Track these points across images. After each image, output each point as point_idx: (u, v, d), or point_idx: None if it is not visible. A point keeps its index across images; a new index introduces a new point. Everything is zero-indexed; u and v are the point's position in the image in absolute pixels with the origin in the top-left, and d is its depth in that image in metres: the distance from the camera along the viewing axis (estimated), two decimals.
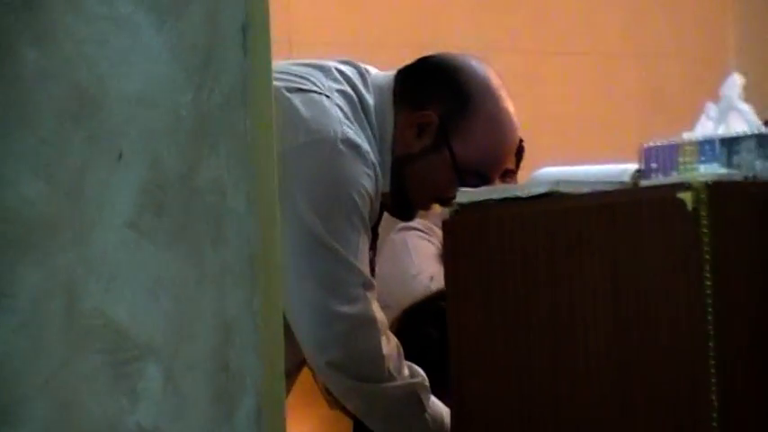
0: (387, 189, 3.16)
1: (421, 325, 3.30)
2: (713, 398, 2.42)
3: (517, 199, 2.72)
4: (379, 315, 3.06)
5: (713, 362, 2.43)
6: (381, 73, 3.24)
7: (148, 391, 1.72)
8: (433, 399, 3.15)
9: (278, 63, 2.72)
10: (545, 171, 2.74)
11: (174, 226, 1.74)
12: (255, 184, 1.80)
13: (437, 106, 3.18)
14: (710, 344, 2.42)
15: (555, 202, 2.65)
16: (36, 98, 1.66)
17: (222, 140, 1.78)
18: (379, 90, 3.18)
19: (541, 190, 2.67)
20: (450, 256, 2.85)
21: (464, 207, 2.79)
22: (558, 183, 2.66)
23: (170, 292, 1.74)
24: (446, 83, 3.21)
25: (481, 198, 2.79)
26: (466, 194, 2.81)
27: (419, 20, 5.03)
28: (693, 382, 2.45)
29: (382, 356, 3.04)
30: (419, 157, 3.18)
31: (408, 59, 3.28)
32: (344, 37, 4.55)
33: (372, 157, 3.08)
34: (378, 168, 3.10)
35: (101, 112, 1.70)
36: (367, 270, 3.06)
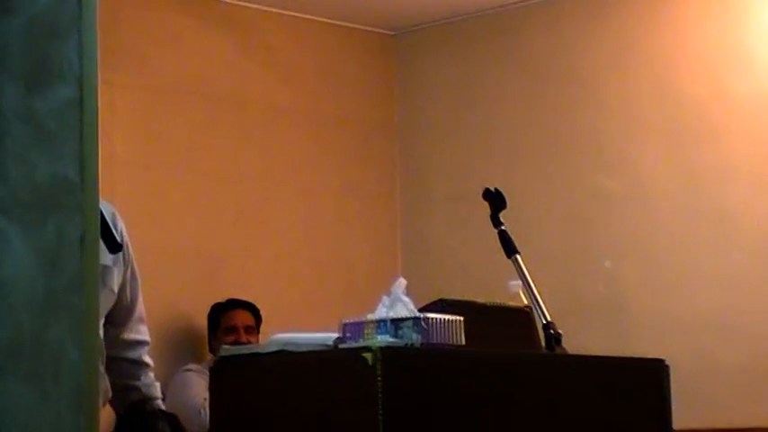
0: None
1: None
2: None
3: (258, 354, 2.70)
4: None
5: None
6: None
7: None
8: None
9: None
10: (278, 336, 2.73)
11: (28, 368, 1.68)
12: (85, 342, 1.75)
13: None
14: None
15: (284, 356, 2.63)
16: None
17: (64, 313, 1.73)
18: None
19: (275, 348, 2.66)
20: (214, 388, 2.80)
21: (224, 358, 2.76)
22: (286, 344, 2.65)
23: (20, 417, 1.66)
24: None
25: (236, 353, 2.78)
26: (226, 351, 2.80)
27: None
28: None
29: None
30: None
31: None
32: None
33: None
34: None
35: None
36: None
